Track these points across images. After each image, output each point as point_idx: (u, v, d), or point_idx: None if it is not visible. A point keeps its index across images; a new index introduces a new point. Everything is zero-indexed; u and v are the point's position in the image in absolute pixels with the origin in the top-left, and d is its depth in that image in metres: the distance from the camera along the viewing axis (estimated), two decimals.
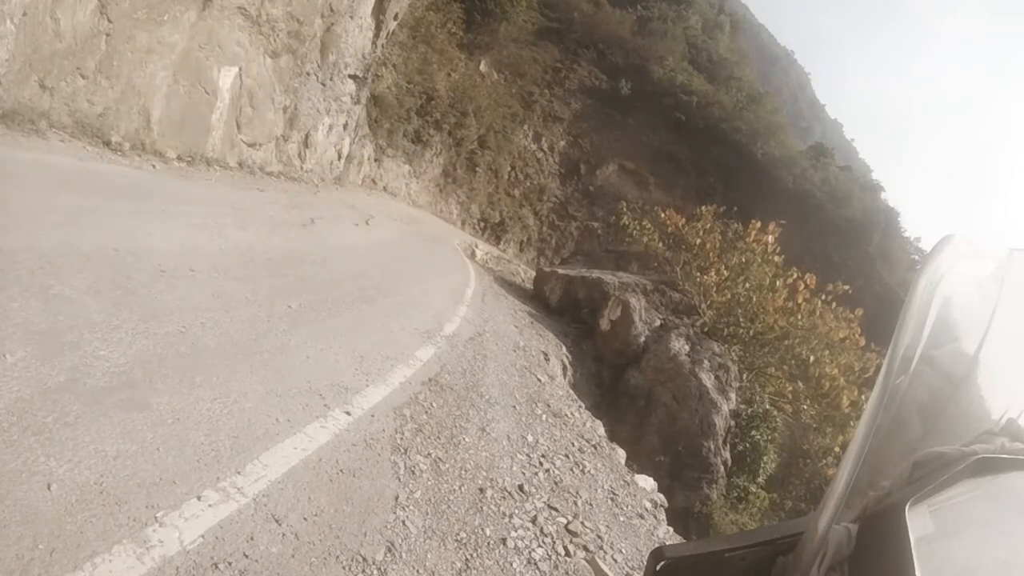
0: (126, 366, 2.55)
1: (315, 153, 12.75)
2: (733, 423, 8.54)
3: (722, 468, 8.04)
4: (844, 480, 0.66)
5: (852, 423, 9.88)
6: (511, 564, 2.50)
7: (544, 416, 4.60)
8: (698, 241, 11.95)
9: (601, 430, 5.20)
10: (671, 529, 3.88)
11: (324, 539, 2.10)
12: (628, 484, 4.11)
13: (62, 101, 6.38)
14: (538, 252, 25.43)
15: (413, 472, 2.83)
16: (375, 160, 17.36)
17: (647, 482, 4.64)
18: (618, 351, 8.87)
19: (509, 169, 25.60)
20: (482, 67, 24.51)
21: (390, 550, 2.21)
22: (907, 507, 0.66)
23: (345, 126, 13.92)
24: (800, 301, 10.84)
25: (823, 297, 11.24)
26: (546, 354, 6.88)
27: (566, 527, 3.01)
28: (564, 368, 7.23)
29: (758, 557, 0.78)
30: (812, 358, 10.30)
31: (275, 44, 9.84)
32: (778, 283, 11.01)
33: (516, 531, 2.75)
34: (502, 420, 4.05)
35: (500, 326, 7.14)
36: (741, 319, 10.66)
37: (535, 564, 2.58)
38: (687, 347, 8.68)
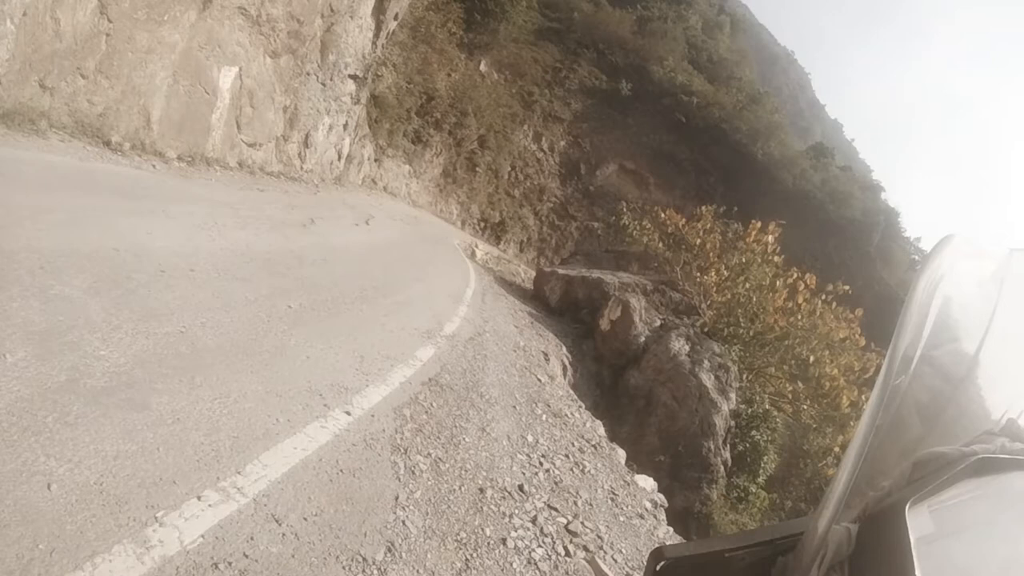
0: (126, 366, 2.55)
1: (315, 153, 12.74)
2: (733, 423, 8.54)
3: (722, 468, 8.03)
4: (844, 480, 0.66)
5: (852, 423, 9.88)
6: (511, 564, 2.50)
7: (544, 416, 4.60)
8: (698, 241, 11.97)
9: (601, 430, 5.20)
10: (671, 529, 3.88)
11: (324, 539, 2.10)
12: (628, 484, 4.11)
13: (62, 101, 6.38)
14: (538, 252, 25.43)
15: (413, 472, 2.83)
16: (375, 160, 17.36)
17: (647, 482, 4.64)
18: (618, 351, 8.87)
19: (509, 169, 25.60)
20: (482, 67, 24.51)
21: (390, 550, 2.21)
22: (907, 507, 0.66)
23: (345, 126, 13.92)
24: (800, 301, 10.85)
25: (823, 297, 11.25)
26: (546, 354, 6.88)
27: (566, 527, 3.00)
28: (564, 368, 7.23)
29: (758, 557, 0.78)
30: (812, 358, 10.30)
31: (275, 44, 9.84)
32: (778, 283, 11.02)
33: (516, 531, 2.75)
34: (502, 420, 4.05)
35: (500, 326, 7.14)
36: (741, 319, 10.66)
37: (535, 564, 2.58)
38: (687, 347, 8.68)
